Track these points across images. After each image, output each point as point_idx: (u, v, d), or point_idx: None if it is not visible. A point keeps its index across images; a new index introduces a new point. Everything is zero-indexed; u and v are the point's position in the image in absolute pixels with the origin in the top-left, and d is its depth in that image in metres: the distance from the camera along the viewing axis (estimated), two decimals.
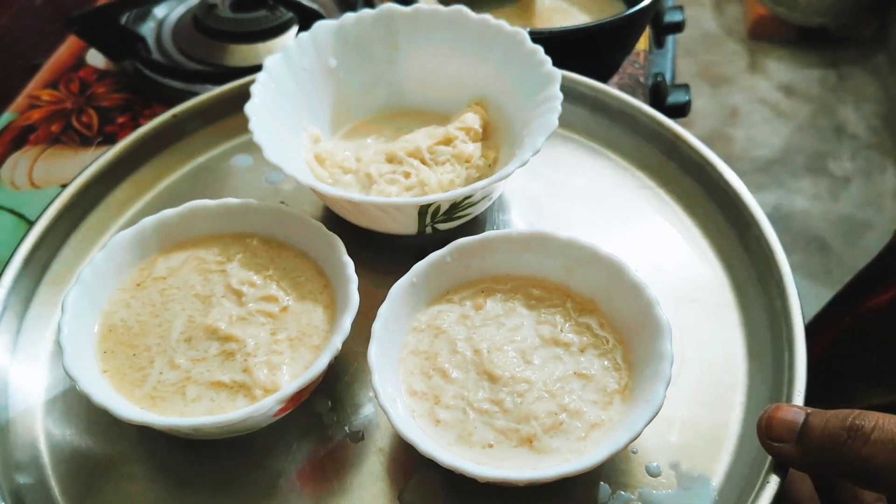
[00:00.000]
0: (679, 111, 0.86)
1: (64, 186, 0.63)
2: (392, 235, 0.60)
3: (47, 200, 0.62)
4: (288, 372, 0.48)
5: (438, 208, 0.55)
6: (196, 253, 0.54)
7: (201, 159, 0.68)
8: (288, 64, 0.62)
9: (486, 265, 0.53)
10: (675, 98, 0.87)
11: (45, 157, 0.79)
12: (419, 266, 0.51)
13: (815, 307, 0.80)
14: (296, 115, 0.62)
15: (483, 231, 0.54)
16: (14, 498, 0.48)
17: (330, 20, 0.64)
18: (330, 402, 0.53)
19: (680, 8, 1.01)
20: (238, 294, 0.52)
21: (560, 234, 0.52)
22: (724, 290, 0.58)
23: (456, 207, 0.56)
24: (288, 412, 0.49)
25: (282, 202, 0.57)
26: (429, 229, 0.58)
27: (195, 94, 0.70)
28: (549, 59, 0.60)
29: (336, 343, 0.47)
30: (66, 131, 0.82)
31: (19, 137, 0.81)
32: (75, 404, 0.53)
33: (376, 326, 0.48)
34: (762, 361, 0.53)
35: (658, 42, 1.01)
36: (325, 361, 0.46)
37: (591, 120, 0.69)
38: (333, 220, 0.60)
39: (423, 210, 0.54)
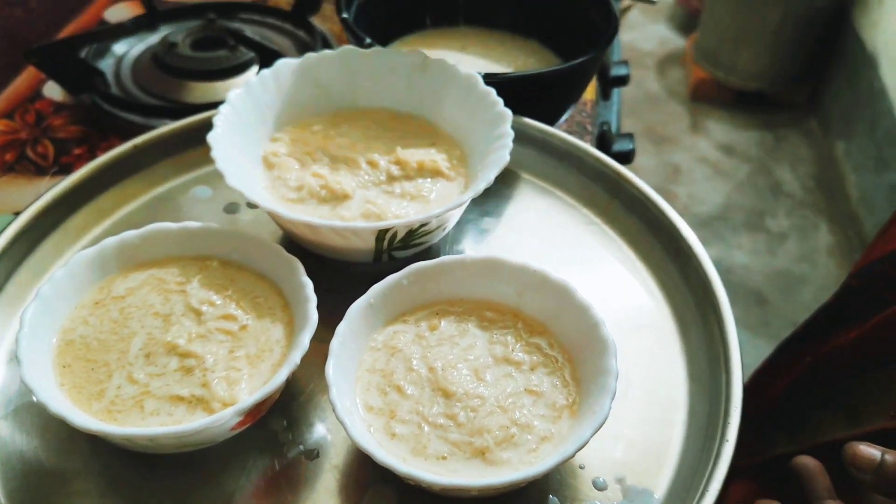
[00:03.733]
0: (624, 158, 0.91)
1: (17, 214, 0.63)
2: (350, 263, 0.62)
3: (0, 227, 0.63)
4: (247, 387, 0.49)
5: (395, 234, 0.57)
6: (156, 273, 0.55)
7: (160, 189, 0.69)
8: (250, 98, 0.64)
9: (441, 289, 0.55)
10: (620, 146, 0.92)
11: None
12: (376, 287, 0.53)
13: (755, 358, 0.84)
14: (256, 147, 0.64)
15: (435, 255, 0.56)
16: None
17: (291, 59, 0.67)
18: (286, 422, 0.54)
19: (625, 62, 1.07)
20: (197, 313, 0.53)
21: (512, 260, 0.54)
22: (665, 318, 0.61)
23: (412, 235, 0.58)
24: (245, 427, 0.50)
25: None
26: (385, 257, 0.60)
27: (152, 127, 0.72)
28: (500, 100, 0.63)
29: (294, 358, 0.48)
30: (20, 161, 0.83)
31: None
32: (27, 420, 0.53)
33: (334, 344, 0.50)
34: (702, 383, 0.56)
35: (604, 94, 1.06)
36: (284, 375, 0.47)
37: (539, 160, 0.72)
38: (293, 248, 0.62)
39: (380, 236, 0.56)
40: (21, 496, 0.49)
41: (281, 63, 0.66)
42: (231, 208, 0.68)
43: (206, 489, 0.50)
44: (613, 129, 1.01)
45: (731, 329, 0.57)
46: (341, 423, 0.46)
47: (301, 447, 0.52)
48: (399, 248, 0.59)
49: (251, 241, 0.56)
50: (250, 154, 0.63)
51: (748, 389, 0.86)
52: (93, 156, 0.81)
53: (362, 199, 0.61)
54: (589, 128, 0.91)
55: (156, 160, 0.70)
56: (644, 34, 3.11)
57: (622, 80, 1.05)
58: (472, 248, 0.66)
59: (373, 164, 0.63)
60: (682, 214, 0.66)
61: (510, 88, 0.69)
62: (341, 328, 0.50)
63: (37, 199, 0.64)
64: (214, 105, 0.63)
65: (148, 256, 0.56)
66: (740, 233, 2.31)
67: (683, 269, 0.62)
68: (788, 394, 0.78)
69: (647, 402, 0.55)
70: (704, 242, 0.62)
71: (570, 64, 0.71)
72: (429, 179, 0.63)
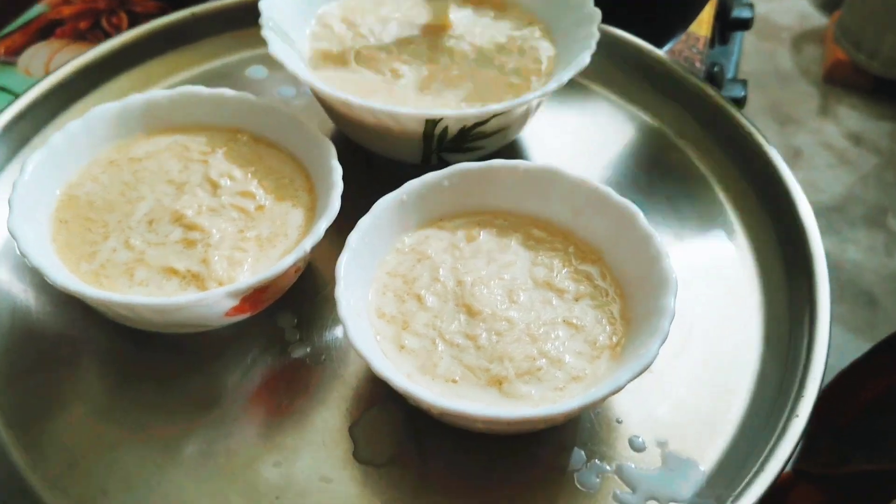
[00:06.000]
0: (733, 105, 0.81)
1: None
2: (398, 163, 0.55)
3: None
4: (250, 270, 0.44)
5: (446, 130, 0.50)
6: (181, 139, 0.50)
7: (215, 64, 0.64)
8: None
9: (487, 196, 0.48)
10: (730, 91, 0.82)
11: (66, 50, 0.76)
12: (412, 184, 0.46)
13: None
14: (314, 8, 0.58)
15: None
16: None
17: None
18: (296, 319, 0.48)
19: (750, 6, 0.96)
20: (214, 185, 0.48)
21: (571, 173, 0.47)
22: (747, 267, 0.52)
23: (466, 134, 0.51)
24: (244, 315, 0.45)
25: None
26: (434, 158, 0.53)
27: None
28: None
29: (305, 245, 0.42)
30: (92, 30, 0.80)
31: (45, 29, 0.79)
32: (26, 277, 0.49)
33: (352, 237, 0.43)
34: (778, 349, 0.47)
35: (722, 37, 0.95)
36: (289, 262, 0.42)
37: (633, 81, 0.63)
38: (340, 140, 0.56)
39: (428, 129, 0.50)
40: (5, 354, 0.46)
41: None
42: (286, 91, 0.62)
43: (198, 376, 0.46)
44: (729, 74, 0.91)
45: (825, 290, 0.48)
46: (342, 322, 0.40)
47: (307, 349, 0.47)
48: (451, 150, 0.52)
49: (285, 117, 0.50)
50: (307, 19, 0.57)
51: (831, 391, 0.76)
52: None
53: (421, 82, 0.53)
54: (698, 65, 0.81)
55: (214, 32, 0.65)
56: (783, 6, 2.89)
57: (744, 24, 0.94)
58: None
59: (446, 43, 0.56)
60: None
61: None
62: (364, 222, 0.44)
63: (81, 54, 0.60)
64: None
65: (176, 120, 0.51)
66: (857, 228, 2.13)
67: (777, 216, 0.53)
68: (876, 404, 0.68)
69: (708, 361, 0.47)
70: None
71: None
72: (510, 74, 0.55)
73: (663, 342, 0.39)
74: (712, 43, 0.91)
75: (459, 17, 0.59)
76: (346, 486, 0.42)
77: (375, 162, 0.56)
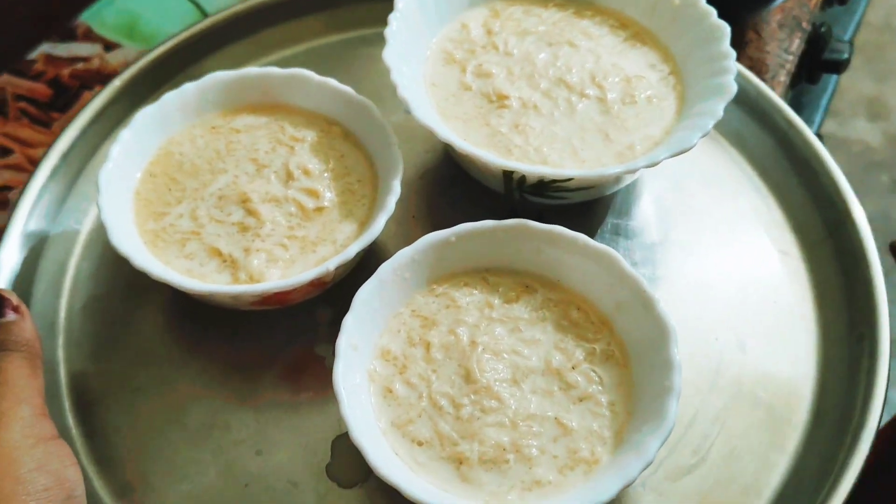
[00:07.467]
0: (833, 67, 0.82)
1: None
2: (487, 188, 0.54)
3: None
4: (281, 270, 0.46)
5: (524, 178, 0.48)
6: (280, 120, 0.52)
7: (351, 34, 0.65)
8: None
9: (541, 259, 0.46)
10: (831, 53, 0.81)
11: None
12: (464, 227, 0.45)
13: None
14: (446, 19, 0.57)
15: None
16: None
17: None
18: (331, 314, 0.50)
19: None
20: (289, 175, 0.49)
21: (627, 267, 0.43)
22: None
23: (546, 185, 0.49)
24: (272, 307, 0.47)
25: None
26: (517, 194, 0.51)
27: None
28: (713, 11, 0.52)
29: (329, 265, 0.44)
30: None
31: None
32: None
33: (385, 269, 0.44)
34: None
35: None
36: (305, 278, 0.43)
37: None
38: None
39: (507, 174, 0.48)
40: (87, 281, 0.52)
41: None
42: None
43: (226, 349, 0.49)
44: (847, 34, 0.89)
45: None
46: (336, 361, 0.41)
47: (330, 349, 0.48)
48: (532, 194, 0.50)
49: (375, 122, 0.50)
50: (447, 20, 0.56)
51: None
52: None
53: (522, 116, 0.51)
54: (805, 25, 0.75)
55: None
56: None
57: None
58: (638, 218, 0.55)
59: (570, 75, 0.53)
60: None
61: None
62: (404, 254, 0.44)
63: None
64: None
65: (283, 99, 0.53)
66: None
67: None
68: None
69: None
70: None
71: None
72: (618, 130, 0.52)
73: (628, 484, 0.37)
74: (829, 2, 0.86)
75: (597, 35, 0.55)
76: (307, 495, 0.44)
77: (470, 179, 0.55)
